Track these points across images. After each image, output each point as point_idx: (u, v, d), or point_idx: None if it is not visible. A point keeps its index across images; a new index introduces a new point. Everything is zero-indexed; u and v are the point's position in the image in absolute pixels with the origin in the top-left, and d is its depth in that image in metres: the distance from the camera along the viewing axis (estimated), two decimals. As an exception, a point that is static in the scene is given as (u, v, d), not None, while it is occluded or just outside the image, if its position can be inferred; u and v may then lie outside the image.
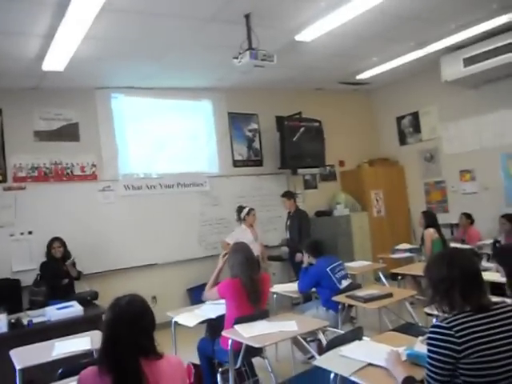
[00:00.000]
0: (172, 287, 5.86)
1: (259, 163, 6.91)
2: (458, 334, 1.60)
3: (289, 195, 6.12)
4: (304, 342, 3.32)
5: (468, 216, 6.04)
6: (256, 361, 3.42)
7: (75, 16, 3.38)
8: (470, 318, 1.65)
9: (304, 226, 5.85)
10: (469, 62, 5.75)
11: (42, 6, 3.38)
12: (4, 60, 4.35)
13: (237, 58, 4.07)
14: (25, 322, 3.69)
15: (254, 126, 6.92)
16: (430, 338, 1.67)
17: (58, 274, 4.60)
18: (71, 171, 5.45)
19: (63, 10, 3.32)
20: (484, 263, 4.32)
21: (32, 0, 3.28)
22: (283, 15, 4.18)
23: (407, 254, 5.63)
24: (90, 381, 1.59)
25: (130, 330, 1.62)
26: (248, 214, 5.67)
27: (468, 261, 1.80)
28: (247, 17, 4.07)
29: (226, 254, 3.50)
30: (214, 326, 3.26)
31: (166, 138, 6.15)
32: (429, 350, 1.66)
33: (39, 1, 3.30)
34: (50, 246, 4.69)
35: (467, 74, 5.84)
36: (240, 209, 5.72)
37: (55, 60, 4.27)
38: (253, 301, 3.13)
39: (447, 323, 1.65)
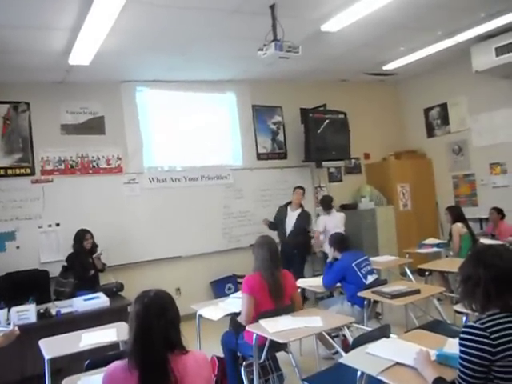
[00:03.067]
0: (196, 279, 5.90)
1: (283, 156, 6.85)
2: (492, 336, 1.54)
3: (304, 189, 6.04)
4: (329, 338, 3.28)
5: (499, 211, 5.86)
6: (280, 355, 3.40)
7: (101, 9, 3.40)
8: (505, 320, 1.58)
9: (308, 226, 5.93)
10: (501, 50, 5.55)
11: (68, 0, 3.39)
12: (31, 54, 4.41)
13: (262, 49, 4.01)
14: (53, 312, 3.77)
15: (278, 118, 6.86)
16: (462, 339, 1.61)
17: (84, 265, 4.68)
18: (97, 164, 5.53)
19: (89, 4, 3.34)
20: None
21: (58, -6, 3.31)
22: (308, 5, 4.10)
23: (434, 249, 5.50)
24: (118, 375, 1.60)
25: (159, 321, 1.62)
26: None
27: (500, 260, 1.71)
28: (272, 7, 4.00)
29: None
30: (238, 320, 3.24)
31: (190, 130, 6.15)
32: (461, 351, 1.60)
33: (65, -5, 3.33)
34: (81, 237, 4.76)
35: (499, 64, 5.63)
36: (327, 198, 6.08)
37: (81, 54, 4.31)
38: (274, 295, 3.11)
39: (481, 324, 1.59)
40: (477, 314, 1.70)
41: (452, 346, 1.96)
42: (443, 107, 7.29)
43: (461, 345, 1.61)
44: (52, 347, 2.81)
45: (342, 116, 6.73)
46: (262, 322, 2.88)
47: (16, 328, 2.62)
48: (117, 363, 1.64)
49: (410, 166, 7.38)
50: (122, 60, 4.98)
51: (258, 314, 3.05)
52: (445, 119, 7.31)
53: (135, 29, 4.14)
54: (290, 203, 5.89)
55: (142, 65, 5.28)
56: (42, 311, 3.72)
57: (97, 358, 2.36)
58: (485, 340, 1.55)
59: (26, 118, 5.18)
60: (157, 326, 1.61)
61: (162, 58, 5.11)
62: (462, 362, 1.60)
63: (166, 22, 4.12)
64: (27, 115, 5.18)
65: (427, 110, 7.57)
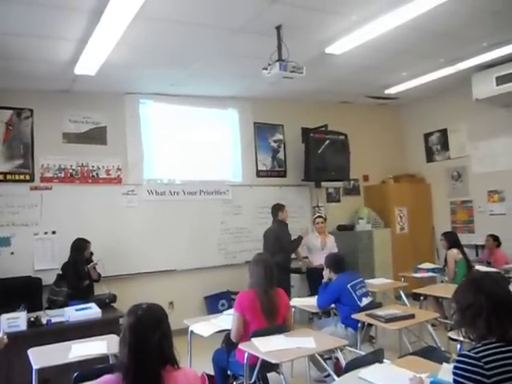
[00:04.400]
0: (189, 294, 5.85)
1: (283, 174, 6.87)
2: (487, 366, 1.52)
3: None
4: (321, 360, 3.24)
5: (495, 238, 5.87)
6: (271, 376, 3.36)
7: (109, 23, 3.45)
8: (500, 350, 1.57)
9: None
10: (502, 80, 5.62)
11: (77, 12, 3.45)
12: (38, 62, 4.46)
13: (266, 69, 4.07)
14: (44, 321, 3.73)
15: (280, 136, 6.90)
16: (456, 368, 1.59)
17: (79, 275, 4.65)
18: (97, 174, 5.53)
19: (98, 17, 3.39)
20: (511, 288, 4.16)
21: (68, 6, 3.35)
22: (314, 27, 4.17)
23: (430, 274, 5.50)
24: None
25: (154, 333, 1.60)
26: (314, 220, 5.97)
27: (499, 287, 1.72)
28: (278, 28, 4.07)
29: None
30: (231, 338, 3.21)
31: (192, 145, 6.18)
32: (455, 381, 1.59)
33: (75, 7, 3.37)
34: (82, 247, 4.73)
35: (500, 93, 5.71)
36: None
37: (87, 64, 4.36)
38: (267, 314, 3.09)
39: (475, 353, 1.57)
40: (473, 342, 1.69)
41: (446, 372, 1.93)
42: (443, 133, 7.36)
43: (454, 374, 1.60)
44: (41, 357, 2.77)
45: (342, 137, 6.77)
46: (255, 340, 2.86)
47: (5, 337, 2.58)
48: (107, 377, 1.62)
49: (409, 189, 7.41)
50: (127, 72, 5.03)
51: (250, 332, 3.03)
52: (444, 145, 7.36)
53: (141, 43, 4.20)
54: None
55: (146, 78, 5.34)
56: (32, 319, 3.67)
57: (85, 371, 2.32)
58: (479, 370, 1.53)
59: (28, 124, 5.20)
60: (152, 338, 1.60)
61: (167, 72, 5.16)
62: (455, 390, 1.58)
63: (172, 38, 4.18)
64: (30, 122, 5.20)
65: (427, 135, 7.63)
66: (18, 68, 4.57)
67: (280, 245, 5.39)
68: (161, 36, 4.12)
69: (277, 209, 5.69)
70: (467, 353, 1.60)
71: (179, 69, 5.06)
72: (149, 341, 1.59)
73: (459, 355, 1.64)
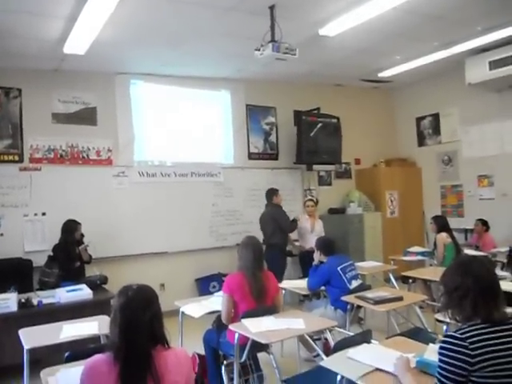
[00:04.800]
0: (180, 276, 5.88)
1: (275, 157, 6.86)
2: (472, 346, 1.56)
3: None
4: (310, 341, 3.29)
5: (484, 222, 5.94)
6: (261, 355, 3.40)
7: (99, 0, 3.37)
8: (485, 330, 1.60)
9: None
10: (495, 65, 5.63)
11: (66, -12, 3.37)
12: (26, 40, 4.36)
13: (259, 49, 4.02)
14: (35, 302, 3.73)
15: (272, 119, 6.87)
16: (442, 348, 1.63)
17: (70, 256, 4.64)
18: (87, 155, 5.48)
19: (87, -7, 3.32)
20: (498, 271, 4.23)
21: (57, -19, 3.28)
22: (308, 8, 4.11)
23: (419, 258, 5.55)
24: (99, 368, 1.58)
25: (145, 313, 1.62)
26: (304, 203, 6.04)
27: (486, 271, 1.75)
28: (272, 8, 4.01)
29: None
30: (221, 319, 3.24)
31: (183, 126, 6.14)
32: (440, 360, 1.62)
33: (64, -17, 3.30)
34: (73, 228, 4.72)
35: (492, 78, 5.72)
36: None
37: (77, 43, 4.28)
38: (256, 295, 3.12)
39: (461, 334, 1.61)
40: (459, 323, 1.72)
41: (432, 353, 1.98)
42: (435, 117, 7.37)
43: (440, 354, 1.63)
44: (32, 337, 2.77)
45: (335, 120, 6.76)
46: (245, 321, 2.89)
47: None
48: (98, 356, 1.63)
49: (400, 173, 7.45)
50: (118, 51, 4.94)
51: (239, 313, 3.07)
52: (436, 129, 7.39)
53: (132, 21, 4.12)
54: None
55: (137, 57, 5.25)
56: (23, 300, 3.68)
57: (77, 350, 2.33)
58: (464, 350, 1.56)
59: (17, 104, 5.11)
60: (142, 318, 1.61)
61: (158, 51, 5.08)
62: (440, 370, 1.62)
63: (163, 16, 4.10)
64: (18, 101, 5.11)
65: (419, 119, 7.64)
66: (5, 46, 4.46)
67: (278, 225, 5.51)
68: (152, 14, 4.04)
69: (271, 193, 5.73)
70: (453, 333, 1.63)
71: (170, 48, 4.98)
72: (139, 321, 1.61)
73: (445, 336, 1.67)
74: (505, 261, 5.09)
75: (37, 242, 5.03)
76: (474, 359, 1.54)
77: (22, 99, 5.13)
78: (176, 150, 6.07)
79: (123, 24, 4.14)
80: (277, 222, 5.53)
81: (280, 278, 4.53)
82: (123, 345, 1.58)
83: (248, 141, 6.64)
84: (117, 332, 1.61)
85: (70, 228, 4.70)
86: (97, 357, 1.63)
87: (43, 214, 5.13)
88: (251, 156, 6.65)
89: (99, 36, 4.14)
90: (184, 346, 3.58)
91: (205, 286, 5.94)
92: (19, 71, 5.07)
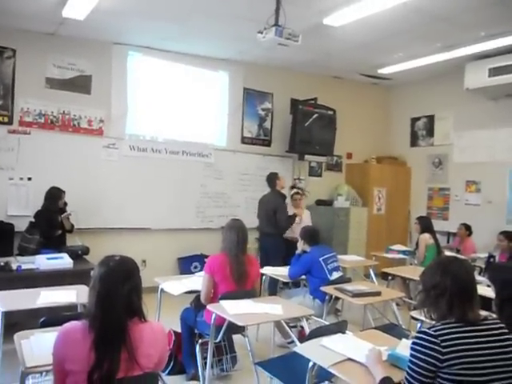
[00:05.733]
0: (163, 254, 5.87)
1: (267, 143, 6.84)
2: (443, 344, 1.59)
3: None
4: (286, 327, 3.33)
5: (467, 227, 6.02)
6: (236, 338, 3.44)
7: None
8: (457, 330, 1.63)
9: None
10: (495, 72, 5.64)
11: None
12: (25, 0, 4.24)
13: (261, 32, 3.97)
14: (14, 266, 3.71)
15: (268, 105, 6.82)
16: (414, 343, 1.66)
17: (52, 224, 4.59)
18: (78, 123, 5.40)
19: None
20: (476, 276, 4.30)
21: None
22: (315, -5, 4.07)
23: (400, 256, 5.63)
24: (74, 335, 1.58)
25: (124, 285, 1.62)
26: (291, 196, 5.96)
27: (465, 272, 1.77)
28: (278, -9, 3.96)
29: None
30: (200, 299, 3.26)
31: (178, 103, 6.07)
32: (411, 355, 1.65)
33: None
34: (57, 195, 4.66)
35: (491, 85, 5.73)
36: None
37: (76, 7, 4.18)
38: (236, 278, 3.14)
39: (434, 331, 1.63)
40: (434, 321, 1.75)
41: (404, 348, 2.01)
42: (430, 119, 7.39)
43: (412, 348, 1.66)
44: (8, 301, 2.76)
45: (331, 112, 6.75)
46: (224, 302, 2.90)
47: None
48: (74, 323, 1.63)
49: (390, 171, 7.49)
50: (118, 21, 4.85)
51: (218, 294, 3.09)
52: (430, 131, 7.41)
53: (136, -9, 4.04)
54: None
55: (137, 29, 5.16)
56: (2, 264, 3.66)
57: (53, 317, 2.33)
58: (435, 347, 1.59)
59: (10, 64, 5.00)
60: (121, 290, 1.61)
61: (159, 25, 4.99)
62: (410, 364, 1.65)
63: (169, -11, 4.03)
64: (12, 62, 5.00)
65: (414, 120, 7.66)
66: (3, 4, 4.34)
67: (276, 219, 5.31)
68: (156, -14, 3.97)
69: (273, 178, 5.55)
70: (426, 330, 1.66)
71: (172, 23, 4.90)
72: (118, 292, 1.61)
73: (418, 331, 1.70)
74: (483, 266, 5.17)
75: (20, 207, 4.98)
76: (444, 356, 1.58)
77: (15, 60, 5.02)
78: (169, 127, 6.01)
79: (126, -7, 4.06)
80: (275, 215, 5.29)
81: (279, 265, 4.51)
82: (99, 314, 1.58)
83: (242, 125, 6.60)
84: (94, 301, 1.62)
85: (54, 195, 4.65)
86: (72, 323, 1.63)
87: (29, 178, 5.07)
88: (244, 140, 6.62)
89: (100, 3, 4.06)
90: (161, 322, 3.57)
91: (186, 265, 5.95)
92: (15, 31, 4.96)
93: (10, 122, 5.00)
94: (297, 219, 5.64)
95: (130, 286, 1.64)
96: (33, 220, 4.63)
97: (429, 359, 1.59)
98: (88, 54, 5.41)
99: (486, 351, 1.61)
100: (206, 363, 3.03)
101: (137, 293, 1.68)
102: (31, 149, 5.07)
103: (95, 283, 1.64)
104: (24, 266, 3.76)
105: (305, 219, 5.76)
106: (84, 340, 1.55)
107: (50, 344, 1.63)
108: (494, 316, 1.95)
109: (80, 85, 5.40)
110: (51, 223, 4.58)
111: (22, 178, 5.04)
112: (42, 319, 2.32)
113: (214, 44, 5.64)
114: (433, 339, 1.61)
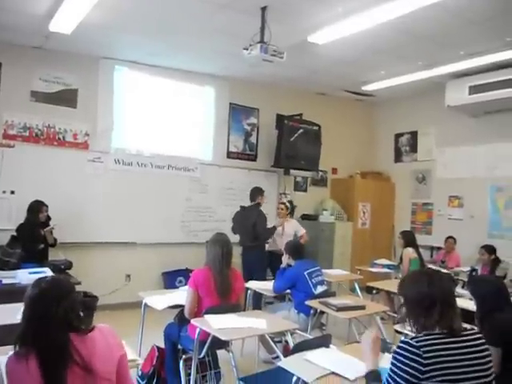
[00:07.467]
0: (147, 268, 5.81)
1: (253, 158, 6.88)
2: (425, 355, 1.59)
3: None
4: (271, 342, 3.31)
5: (455, 240, 6.10)
6: (220, 353, 3.40)
7: (90, -20, 3.32)
8: (440, 341, 1.64)
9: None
10: (474, 90, 5.78)
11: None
12: (11, 13, 4.26)
13: (247, 49, 4.04)
14: (-6, 281, 3.63)
15: (254, 120, 6.88)
16: (396, 353, 1.66)
17: (34, 238, 4.53)
18: (63, 137, 5.37)
19: (79, -28, 3.26)
20: (459, 289, 4.36)
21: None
22: (300, 13, 4.15)
23: (385, 270, 5.67)
24: (15, 368, 1.48)
25: (58, 305, 1.53)
26: (277, 209, 6.01)
27: (446, 283, 1.80)
28: (263, 9, 4.04)
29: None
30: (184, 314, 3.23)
31: (164, 118, 6.09)
32: (393, 364, 1.65)
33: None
34: (38, 208, 4.62)
35: (471, 102, 5.88)
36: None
37: (63, 22, 4.20)
38: (220, 292, 3.12)
39: (416, 342, 1.64)
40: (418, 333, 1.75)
41: (386, 361, 2.01)
42: (413, 135, 7.53)
43: (393, 358, 1.66)
44: (-13, 316, 2.70)
45: (316, 128, 6.83)
46: (208, 317, 2.88)
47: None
48: (11, 356, 1.51)
49: (374, 187, 7.58)
50: (105, 35, 4.88)
51: (203, 308, 3.06)
52: (413, 147, 7.54)
53: (122, 6, 4.08)
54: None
55: (123, 44, 5.20)
56: (-18, 278, 3.58)
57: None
58: (417, 358, 1.60)
59: (-5, 77, 4.98)
60: (56, 309, 1.52)
61: (145, 40, 5.04)
62: (391, 373, 1.64)
63: (154, 5, 4.07)
64: (-3, 75, 4.99)
65: (398, 136, 7.79)
66: (-12, 17, 4.35)
67: (256, 231, 5.32)
68: (143, 2, 4.01)
69: (257, 192, 5.58)
70: (409, 340, 1.66)
71: (159, 39, 4.95)
72: (52, 311, 1.52)
73: (401, 341, 1.70)
74: (466, 280, 5.23)
75: (3, 221, 4.90)
76: (426, 368, 1.58)
77: (1, 73, 5.00)
78: (155, 142, 6.01)
79: (112, 8, 4.09)
80: (255, 228, 5.31)
81: (263, 277, 4.51)
82: (38, 337, 1.49)
83: (228, 139, 6.64)
84: (29, 325, 1.52)
85: (35, 208, 4.61)
86: (12, 357, 1.51)
87: (12, 192, 5.01)
88: (230, 155, 6.65)
89: (87, 17, 4.08)
90: (144, 337, 3.54)
91: (171, 280, 5.90)
92: (1, 44, 4.96)
93: (-6, 135, 4.96)
94: (279, 229, 5.62)
95: (67, 305, 1.55)
96: (15, 234, 4.57)
97: (410, 370, 1.59)
98: (74, 67, 5.42)
99: (467, 362, 1.62)
100: (189, 380, 2.99)
101: (74, 311, 1.59)
102: (15, 162, 5.02)
103: (28, 306, 1.54)
104: (5, 281, 3.67)
105: (287, 231, 5.72)
106: (28, 369, 1.45)
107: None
108: (475, 328, 1.97)
109: (66, 98, 5.39)
110: (33, 237, 4.52)
111: (4, 192, 4.98)
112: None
113: (200, 59, 5.70)
114: (415, 350, 1.61)
